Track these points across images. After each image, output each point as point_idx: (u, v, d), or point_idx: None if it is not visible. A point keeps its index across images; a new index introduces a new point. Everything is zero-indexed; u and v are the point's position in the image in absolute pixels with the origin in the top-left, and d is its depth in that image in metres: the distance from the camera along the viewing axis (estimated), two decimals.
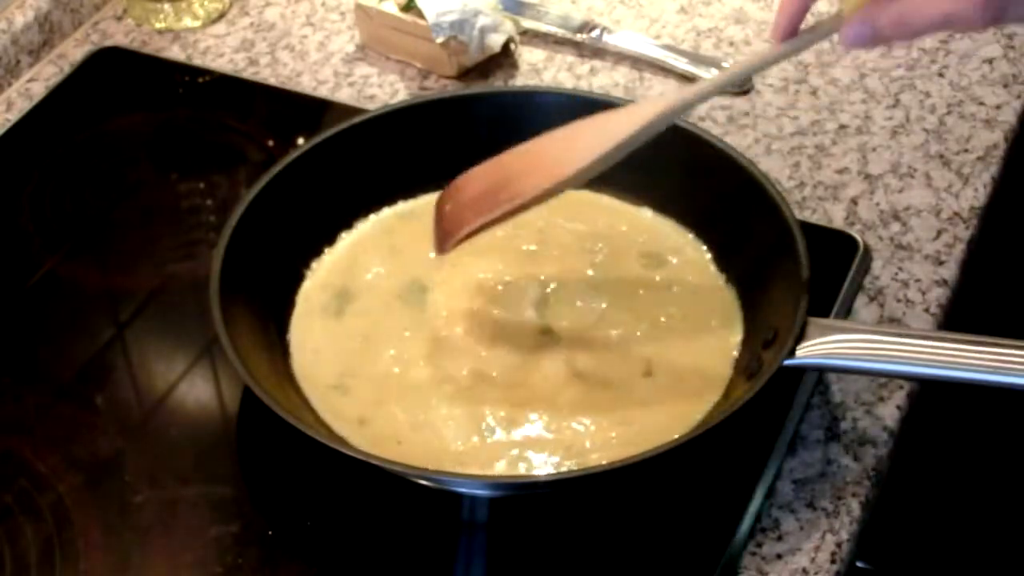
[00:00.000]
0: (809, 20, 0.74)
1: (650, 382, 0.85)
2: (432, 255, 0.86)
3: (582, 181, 0.82)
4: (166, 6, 1.18)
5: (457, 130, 0.97)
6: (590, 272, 0.92)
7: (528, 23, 1.16)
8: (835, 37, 0.74)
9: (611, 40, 1.14)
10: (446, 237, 0.84)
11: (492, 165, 0.85)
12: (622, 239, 0.94)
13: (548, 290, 0.90)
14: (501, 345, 0.87)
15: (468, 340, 0.87)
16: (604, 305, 0.89)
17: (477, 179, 0.85)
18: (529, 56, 1.15)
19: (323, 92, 1.12)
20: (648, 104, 0.82)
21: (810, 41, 0.75)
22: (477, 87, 1.11)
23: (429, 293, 0.90)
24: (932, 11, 0.68)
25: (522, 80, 1.12)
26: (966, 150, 1.04)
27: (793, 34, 0.75)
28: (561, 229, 0.95)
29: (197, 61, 1.16)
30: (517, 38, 1.14)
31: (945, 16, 0.68)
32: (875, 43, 0.71)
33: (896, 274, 0.96)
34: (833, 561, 0.79)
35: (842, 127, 1.07)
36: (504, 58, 1.13)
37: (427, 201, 0.97)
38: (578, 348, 0.87)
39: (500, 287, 0.90)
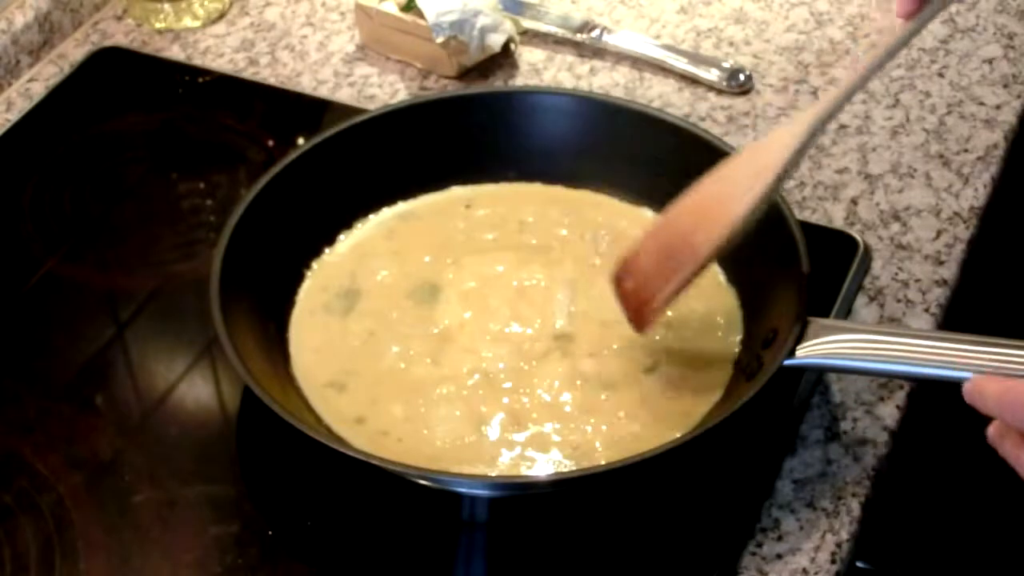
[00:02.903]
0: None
1: (650, 382, 0.85)
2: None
3: (753, 221, 0.80)
4: (166, 6, 1.18)
5: (457, 130, 0.97)
6: (597, 261, 0.92)
7: (528, 23, 1.16)
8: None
9: (611, 40, 1.14)
10: (643, 312, 0.83)
11: (654, 234, 0.84)
12: (623, 234, 0.94)
13: (556, 287, 0.90)
14: (507, 344, 0.87)
15: (474, 339, 0.87)
16: (609, 305, 0.89)
17: (646, 252, 0.84)
18: (529, 56, 1.15)
19: (323, 92, 1.12)
20: (793, 123, 0.80)
21: (931, 15, 0.74)
22: (477, 87, 1.11)
23: (441, 292, 0.90)
24: None
25: (522, 80, 1.12)
26: (966, 150, 1.04)
27: (917, 11, 0.74)
28: (560, 224, 0.95)
29: (197, 61, 1.16)
30: (517, 38, 1.14)
31: None
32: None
33: (896, 274, 0.96)
34: (833, 561, 0.79)
35: (842, 127, 1.07)
36: (504, 58, 1.13)
37: (427, 202, 0.97)
38: (582, 347, 0.87)
39: (512, 284, 0.90)
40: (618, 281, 0.85)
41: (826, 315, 0.88)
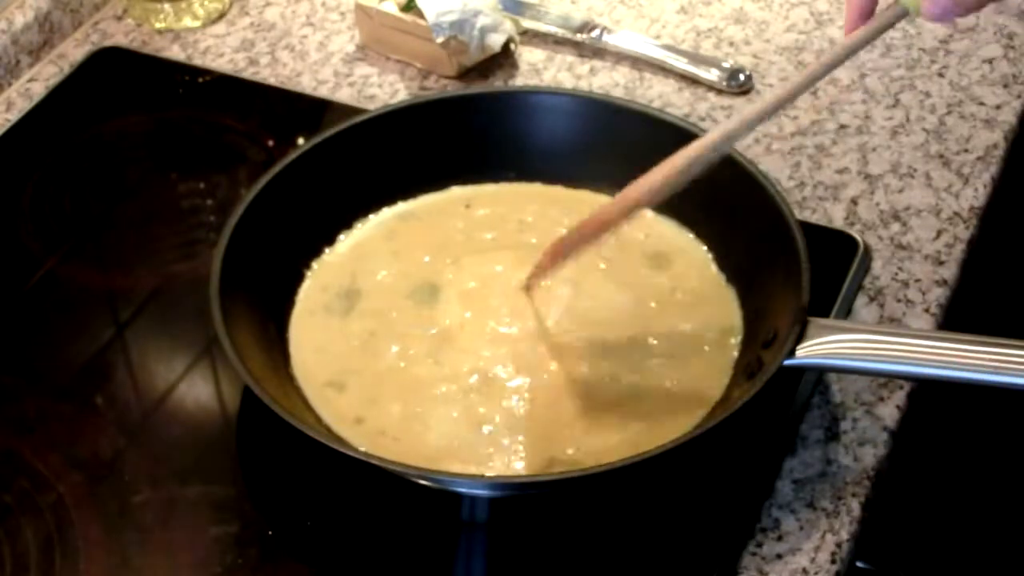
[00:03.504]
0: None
1: (650, 382, 0.85)
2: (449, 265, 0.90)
3: (650, 204, 0.84)
4: (166, 6, 1.18)
5: (457, 130, 0.97)
6: (601, 266, 0.92)
7: (528, 23, 1.16)
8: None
9: (611, 40, 1.14)
10: (536, 273, 0.87)
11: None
12: (623, 234, 0.94)
13: (556, 287, 0.90)
14: (506, 343, 0.87)
15: (474, 339, 0.87)
16: (610, 304, 0.89)
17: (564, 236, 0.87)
18: (529, 56, 1.15)
19: (323, 92, 1.12)
20: (713, 131, 0.82)
21: (876, 31, 0.75)
22: (477, 87, 1.11)
23: (440, 292, 0.90)
24: None
25: (522, 80, 1.12)
26: (966, 150, 1.04)
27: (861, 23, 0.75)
28: (560, 224, 0.95)
29: (197, 61, 1.16)
30: (517, 38, 1.14)
31: None
32: (954, 15, 0.71)
33: (896, 274, 0.96)
34: (833, 561, 0.79)
35: (842, 127, 1.07)
36: (504, 58, 1.13)
37: (427, 202, 0.97)
38: (581, 347, 0.87)
39: (512, 283, 0.90)
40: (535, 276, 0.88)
41: (826, 315, 0.88)
